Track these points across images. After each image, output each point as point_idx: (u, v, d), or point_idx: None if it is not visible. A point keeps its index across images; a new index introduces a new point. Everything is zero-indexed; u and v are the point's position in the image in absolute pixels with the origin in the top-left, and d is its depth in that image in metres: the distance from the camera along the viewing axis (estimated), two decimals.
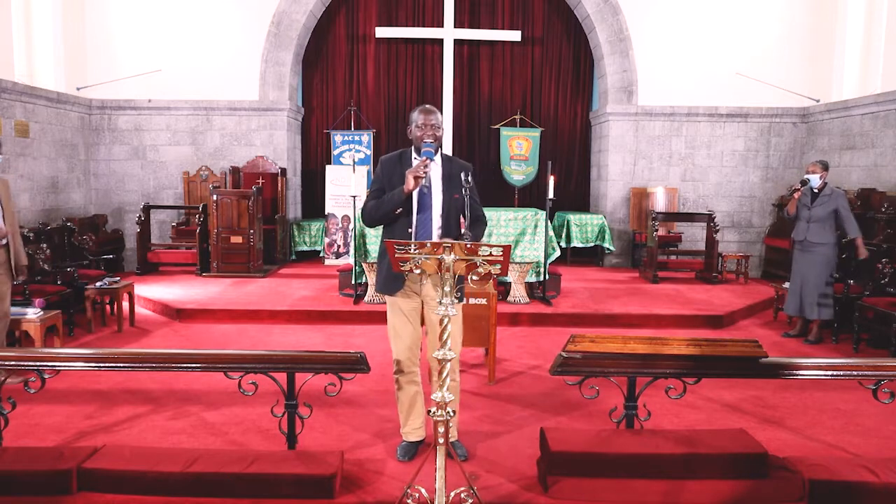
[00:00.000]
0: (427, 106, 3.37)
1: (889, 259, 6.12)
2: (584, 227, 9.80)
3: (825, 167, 5.85)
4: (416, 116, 3.32)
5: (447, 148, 9.66)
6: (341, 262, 9.26)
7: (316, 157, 10.88)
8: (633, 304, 7.17)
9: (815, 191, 5.88)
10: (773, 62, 9.69)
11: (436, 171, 3.33)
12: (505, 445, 3.64)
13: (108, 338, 6.05)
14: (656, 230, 8.78)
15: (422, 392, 3.48)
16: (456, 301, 3.23)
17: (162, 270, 9.07)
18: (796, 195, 5.97)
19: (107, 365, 3.26)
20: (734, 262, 9.18)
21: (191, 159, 9.85)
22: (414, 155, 3.37)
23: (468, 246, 2.56)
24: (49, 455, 3.07)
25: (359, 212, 6.99)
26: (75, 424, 3.94)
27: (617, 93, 9.93)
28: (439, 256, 2.56)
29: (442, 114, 9.71)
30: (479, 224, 3.38)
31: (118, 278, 6.63)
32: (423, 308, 3.39)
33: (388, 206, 3.27)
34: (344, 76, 10.76)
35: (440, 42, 9.79)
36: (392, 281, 3.29)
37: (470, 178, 3.17)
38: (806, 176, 5.95)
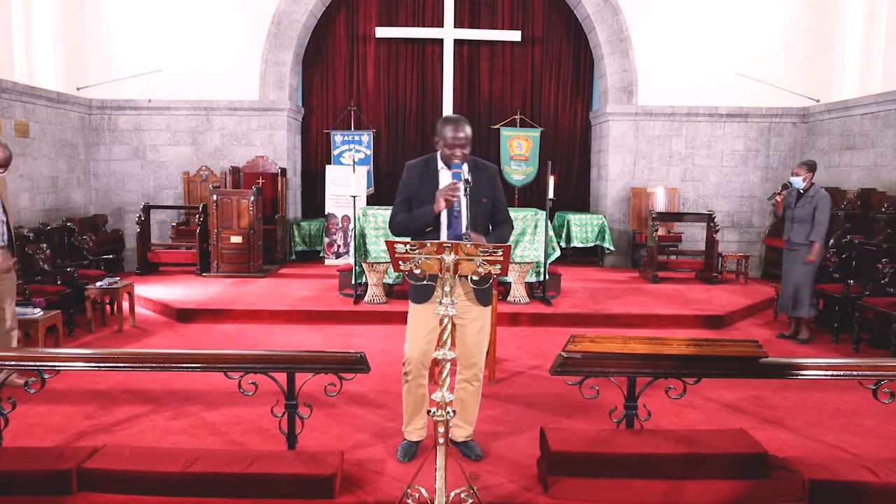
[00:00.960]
0: (457, 117, 3.22)
1: (889, 259, 6.11)
2: (584, 227, 9.80)
3: (811, 168, 5.86)
4: (446, 131, 3.16)
5: None
6: (341, 262, 9.27)
7: (316, 157, 10.88)
8: (633, 304, 7.17)
9: (801, 191, 5.90)
10: (773, 62, 9.69)
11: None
12: (505, 445, 3.64)
13: (108, 338, 6.05)
14: (656, 230, 8.78)
15: (428, 394, 3.47)
16: (482, 305, 3.31)
17: (162, 270, 9.07)
18: (779, 198, 6.03)
19: (107, 365, 3.26)
20: (734, 262, 9.18)
21: (191, 159, 9.85)
22: (441, 165, 3.30)
23: (468, 246, 2.56)
24: (49, 455, 3.07)
25: (359, 212, 6.99)
26: (75, 424, 3.94)
27: (617, 93, 9.93)
28: (440, 257, 2.55)
29: (442, 113, 9.76)
30: (505, 226, 3.41)
31: (118, 278, 6.62)
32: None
33: (418, 223, 3.24)
34: (344, 76, 10.76)
35: (440, 42, 9.80)
36: (424, 289, 3.20)
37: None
38: (790, 178, 5.99)
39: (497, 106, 10.84)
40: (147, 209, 9.16)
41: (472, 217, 3.17)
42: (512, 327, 6.46)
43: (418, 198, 3.27)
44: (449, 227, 3.27)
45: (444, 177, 3.26)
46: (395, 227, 3.34)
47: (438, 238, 3.24)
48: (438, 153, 3.32)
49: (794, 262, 5.94)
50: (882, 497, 2.89)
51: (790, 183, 6.00)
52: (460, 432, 3.46)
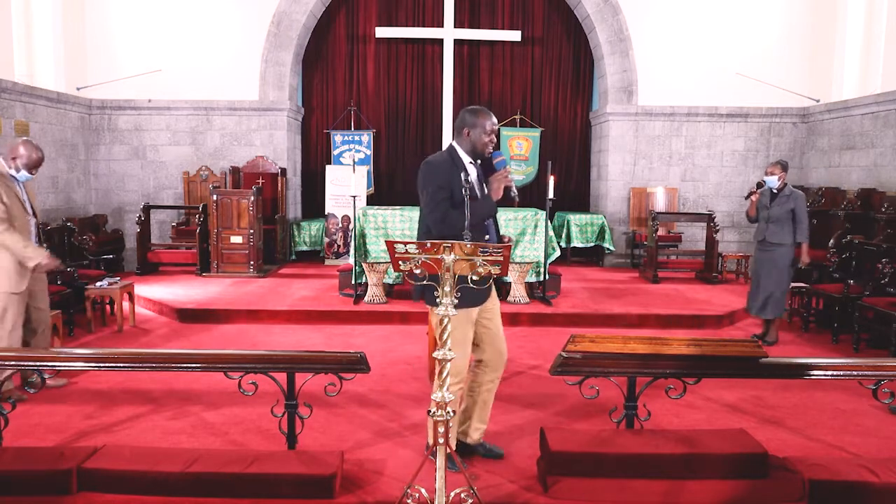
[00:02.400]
0: (484, 108, 3.33)
1: (889, 259, 6.11)
2: (584, 227, 9.81)
3: (784, 168, 5.83)
4: (481, 121, 3.24)
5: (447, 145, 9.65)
6: (341, 262, 9.26)
7: (316, 157, 10.88)
8: (633, 304, 7.17)
9: (775, 191, 5.87)
10: (773, 62, 9.69)
11: (475, 175, 3.31)
12: (505, 445, 3.64)
13: (108, 338, 6.05)
14: (656, 230, 8.78)
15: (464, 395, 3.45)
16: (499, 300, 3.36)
17: (162, 270, 9.07)
18: (753, 198, 6.00)
19: (107, 365, 3.26)
20: (734, 262, 9.18)
21: (191, 159, 9.85)
22: (468, 159, 3.29)
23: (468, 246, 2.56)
24: (49, 455, 3.07)
25: (359, 212, 6.99)
26: (75, 424, 3.94)
27: (617, 93, 9.93)
28: (439, 256, 2.55)
29: (442, 113, 9.75)
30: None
31: (118, 278, 6.62)
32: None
33: (481, 216, 3.21)
34: (344, 76, 10.76)
35: (440, 42, 9.79)
36: (477, 293, 3.02)
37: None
38: (764, 178, 5.97)
39: (497, 106, 10.81)
40: (147, 209, 9.16)
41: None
42: (512, 327, 6.44)
43: (454, 194, 3.20)
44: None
45: (472, 170, 3.29)
46: (451, 226, 3.11)
47: (486, 230, 3.28)
48: (458, 146, 3.31)
49: (768, 263, 5.85)
50: (882, 497, 2.89)
51: (764, 182, 5.98)
52: (477, 433, 3.45)
